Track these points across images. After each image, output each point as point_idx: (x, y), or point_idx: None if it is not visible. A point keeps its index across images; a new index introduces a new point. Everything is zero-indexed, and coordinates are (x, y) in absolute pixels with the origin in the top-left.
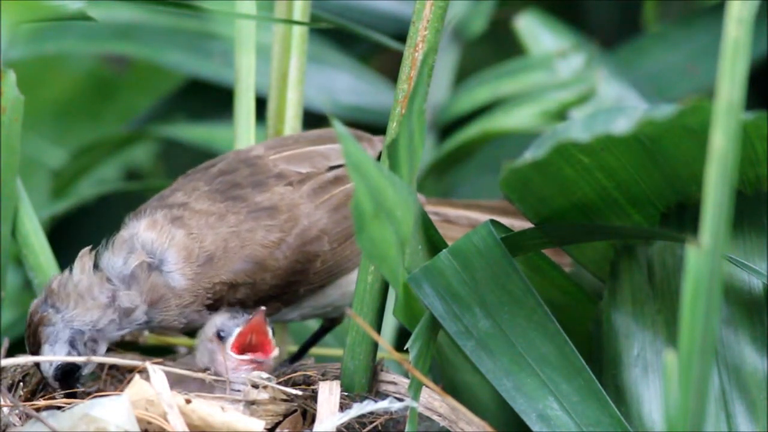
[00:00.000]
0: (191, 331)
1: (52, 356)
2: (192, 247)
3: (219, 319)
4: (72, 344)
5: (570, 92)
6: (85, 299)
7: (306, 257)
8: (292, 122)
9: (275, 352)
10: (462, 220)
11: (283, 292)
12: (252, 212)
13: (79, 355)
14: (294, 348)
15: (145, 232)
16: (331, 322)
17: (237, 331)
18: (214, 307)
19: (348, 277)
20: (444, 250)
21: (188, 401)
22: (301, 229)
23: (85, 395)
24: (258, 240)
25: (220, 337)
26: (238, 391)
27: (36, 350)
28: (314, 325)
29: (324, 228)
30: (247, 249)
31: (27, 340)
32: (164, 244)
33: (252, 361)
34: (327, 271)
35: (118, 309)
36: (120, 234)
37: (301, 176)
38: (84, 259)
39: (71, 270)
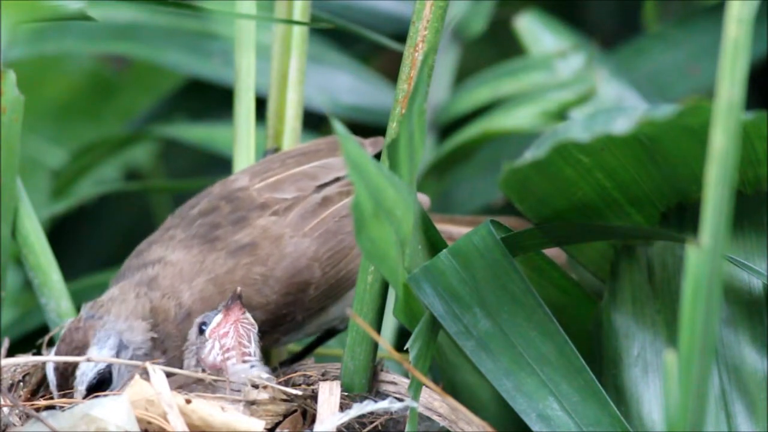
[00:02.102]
0: None
1: (50, 357)
2: (168, 306)
3: (198, 319)
4: (117, 352)
5: (570, 92)
6: (132, 323)
7: (297, 288)
8: (292, 122)
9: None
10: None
11: (278, 324)
12: (231, 252)
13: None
14: (295, 348)
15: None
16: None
17: (218, 316)
18: None
19: (348, 294)
20: (444, 250)
21: (188, 401)
22: (289, 261)
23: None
24: (237, 280)
25: (202, 331)
26: (238, 391)
27: (79, 352)
28: None
29: (314, 256)
30: (227, 293)
31: (68, 343)
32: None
33: (228, 314)
34: (323, 295)
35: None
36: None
37: (287, 203)
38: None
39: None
